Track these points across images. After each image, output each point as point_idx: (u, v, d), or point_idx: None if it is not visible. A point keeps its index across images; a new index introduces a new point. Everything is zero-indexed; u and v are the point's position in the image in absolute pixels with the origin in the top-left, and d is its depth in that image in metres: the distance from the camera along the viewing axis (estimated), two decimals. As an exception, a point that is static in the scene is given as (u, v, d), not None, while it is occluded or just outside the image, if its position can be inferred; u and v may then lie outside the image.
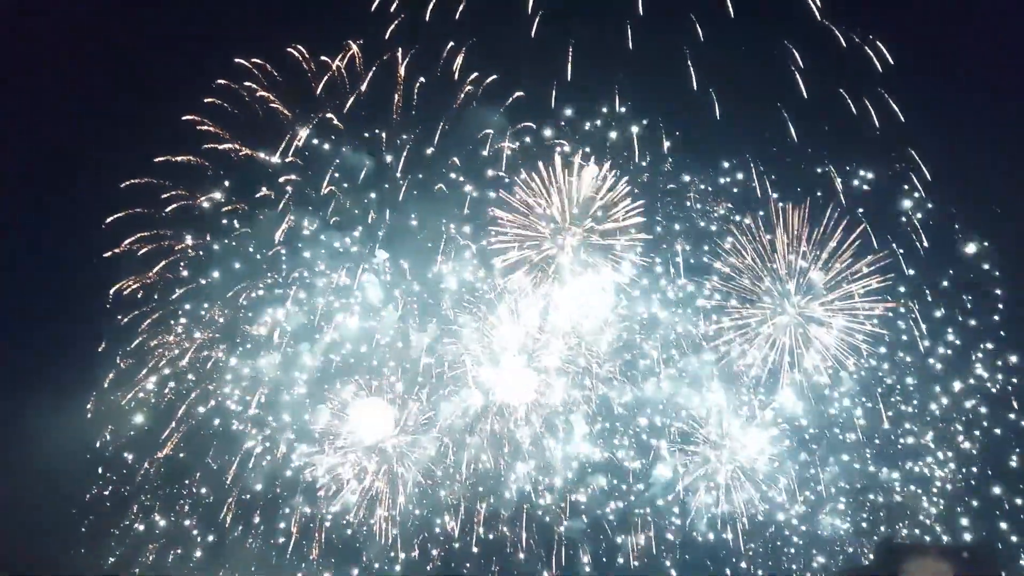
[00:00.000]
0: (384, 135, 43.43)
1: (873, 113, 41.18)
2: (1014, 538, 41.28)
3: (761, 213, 42.06)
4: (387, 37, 42.29)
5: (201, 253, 43.93)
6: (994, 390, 43.31)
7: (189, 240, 43.70)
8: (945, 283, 43.17)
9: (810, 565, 43.43)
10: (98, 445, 44.92)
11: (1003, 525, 41.34)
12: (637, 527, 43.77)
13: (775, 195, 41.72)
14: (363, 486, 43.29)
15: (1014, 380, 43.33)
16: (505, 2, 41.86)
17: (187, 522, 44.95)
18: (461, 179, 42.72)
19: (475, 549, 43.28)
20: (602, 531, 44.09)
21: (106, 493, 45.15)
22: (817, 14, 40.69)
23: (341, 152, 43.35)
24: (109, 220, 42.82)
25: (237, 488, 43.92)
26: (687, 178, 42.79)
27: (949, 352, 43.39)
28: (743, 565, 43.25)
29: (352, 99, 43.15)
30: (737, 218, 42.32)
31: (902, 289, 41.86)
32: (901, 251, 41.67)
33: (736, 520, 42.75)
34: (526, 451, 42.35)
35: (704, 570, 43.49)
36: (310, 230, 43.48)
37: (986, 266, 43.20)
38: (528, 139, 42.30)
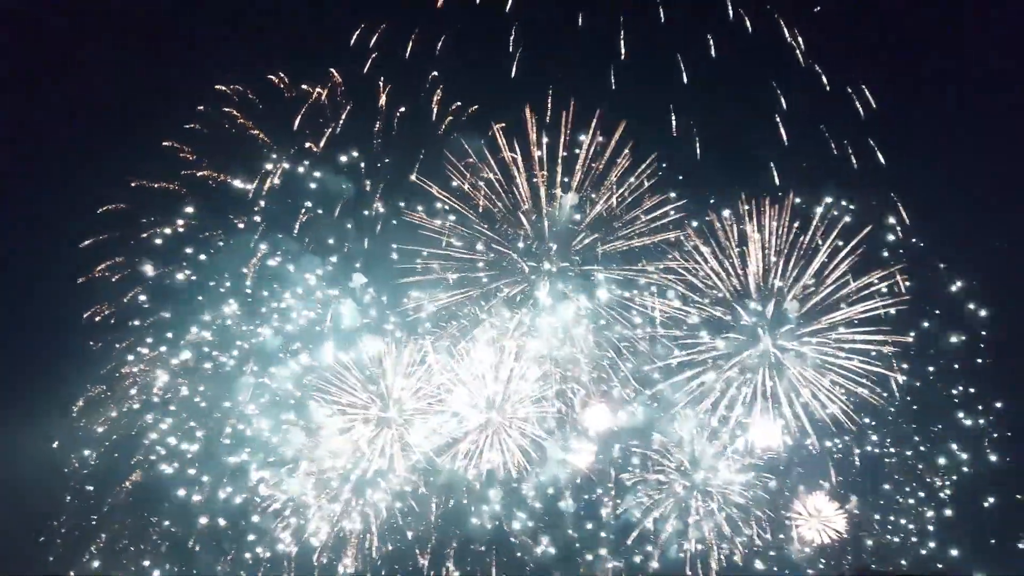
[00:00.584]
0: (363, 164, 43.74)
1: (853, 156, 42.19)
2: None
3: (740, 249, 42.47)
4: (366, 71, 43.08)
5: (175, 280, 43.64)
6: (974, 436, 43.78)
7: (163, 267, 43.48)
8: (926, 324, 43.57)
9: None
10: (66, 471, 44.29)
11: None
12: (607, 558, 43.61)
13: (750, 229, 42.19)
14: (333, 516, 42.88)
15: (991, 418, 43.83)
16: (485, 40, 42.69)
17: (154, 552, 44.18)
18: (445, 208, 42.84)
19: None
20: (573, 564, 43.87)
21: (73, 522, 44.40)
22: (801, 58, 41.84)
23: (319, 179, 43.50)
24: (84, 245, 42.82)
25: (206, 518, 43.35)
26: (672, 215, 42.78)
27: (929, 394, 43.77)
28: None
29: (332, 127, 43.53)
30: (713, 251, 42.66)
31: (884, 326, 42.12)
32: (883, 289, 42.11)
33: (706, 553, 42.64)
34: (498, 480, 42.11)
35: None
36: (287, 256, 43.41)
37: (971, 306, 43.96)
38: (507, 170, 42.53)
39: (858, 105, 42.05)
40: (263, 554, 43.38)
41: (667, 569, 43.13)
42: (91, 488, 44.44)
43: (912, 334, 42.54)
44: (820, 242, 41.85)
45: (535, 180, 42.04)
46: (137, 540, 44.51)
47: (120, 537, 44.40)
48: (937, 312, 44.00)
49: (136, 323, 43.44)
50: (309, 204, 43.45)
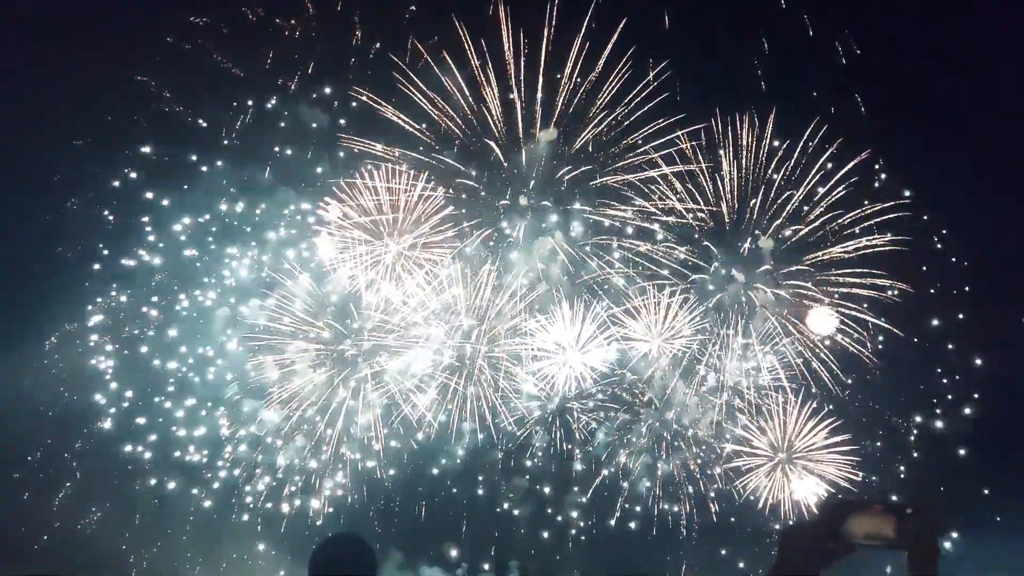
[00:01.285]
0: (336, 101, 43.29)
1: (832, 106, 41.81)
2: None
3: (714, 191, 42.33)
4: (340, 7, 42.64)
5: (148, 216, 43.34)
6: (949, 396, 43.48)
7: (133, 202, 43.10)
8: (906, 276, 43.19)
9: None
10: (41, 409, 44.10)
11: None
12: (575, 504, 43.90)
13: (726, 166, 42.01)
14: (305, 455, 42.91)
15: (966, 375, 43.64)
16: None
17: (127, 490, 44.19)
18: (422, 147, 42.47)
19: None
20: (541, 507, 44.12)
21: (47, 459, 44.31)
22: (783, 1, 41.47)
23: (292, 116, 43.14)
24: (57, 178, 42.53)
25: (178, 454, 43.35)
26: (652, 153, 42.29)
27: (905, 347, 43.54)
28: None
29: (306, 64, 43.10)
30: (689, 190, 42.47)
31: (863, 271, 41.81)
32: (861, 237, 41.88)
33: (675, 495, 42.77)
34: (470, 410, 42.08)
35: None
36: (259, 190, 43.09)
37: (953, 259, 43.63)
38: (486, 105, 42.07)
39: (840, 50, 41.98)
40: (234, 494, 43.39)
41: (637, 520, 43.33)
42: (63, 426, 44.34)
43: (892, 285, 42.32)
44: (796, 185, 41.74)
45: (513, 116, 41.78)
46: (110, 478, 44.53)
47: (93, 476, 44.36)
48: (922, 267, 43.70)
49: (107, 259, 43.33)
50: (281, 141, 43.10)
